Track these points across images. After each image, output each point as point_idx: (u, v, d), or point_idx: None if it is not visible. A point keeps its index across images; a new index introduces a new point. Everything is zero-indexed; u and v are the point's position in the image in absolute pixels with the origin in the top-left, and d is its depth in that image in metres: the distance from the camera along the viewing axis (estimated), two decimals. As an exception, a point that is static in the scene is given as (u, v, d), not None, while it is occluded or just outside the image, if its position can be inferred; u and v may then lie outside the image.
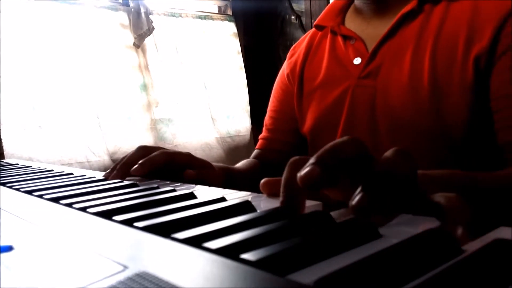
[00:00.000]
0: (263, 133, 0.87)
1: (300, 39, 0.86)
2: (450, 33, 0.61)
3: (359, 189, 0.28)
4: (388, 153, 0.30)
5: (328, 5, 0.81)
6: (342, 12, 0.77)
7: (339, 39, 0.73)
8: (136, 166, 0.55)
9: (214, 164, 0.66)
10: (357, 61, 0.69)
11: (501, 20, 0.57)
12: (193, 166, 0.60)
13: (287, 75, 0.82)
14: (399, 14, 0.66)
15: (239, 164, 0.79)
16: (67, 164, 1.89)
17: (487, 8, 0.59)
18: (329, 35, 0.76)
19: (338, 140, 0.30)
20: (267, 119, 0.87)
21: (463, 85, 0.59)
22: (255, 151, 0.86)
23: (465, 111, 0.59)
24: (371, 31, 0.70)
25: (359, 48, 0.70)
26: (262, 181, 0.40)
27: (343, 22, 0.75)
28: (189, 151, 0.64)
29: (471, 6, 0.61)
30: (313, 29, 0.81)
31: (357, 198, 0.27)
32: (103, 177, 0.57)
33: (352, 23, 0.74)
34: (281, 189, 0.33)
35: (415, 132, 0.62)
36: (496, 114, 0.58)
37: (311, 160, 0.29)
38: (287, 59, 0.85)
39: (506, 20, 0.57)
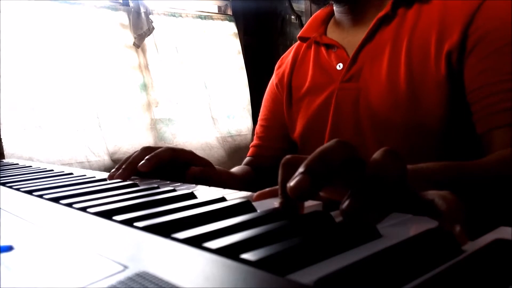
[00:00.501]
0: (254, 141, 0.90)
1: (287, 51, 0.90)
2: (423, 32, 0.64)
3: (348, 194, 0.28)
4: (377, 154, 0.30)
5: (310, 18, 0.85)
6: (324, 24, 0.81)
7: (322, 48, 0.77)
8: (143, 161, 0.57)
9: (201, 157, 0.68)
10: (339, 66, 0.73)
11: (469, 17, 0.60)
12: (195, 164, 0.63)
13: (276, 85, 0.87)
14: (375, 19, 0.69)
15: (233, 170, 0.82)
16: (67, 164, 1.89)
17: (455, 6, 0.62)
18: (313, 46, 0.80)
19: (326, 145, 0.30)
20: (257, 128, 0.91)
21: (437, 80, 0.62)
22: (247, 159, 0.90)
23: (441, 106, 0.62)
24: (351, 38, 0.74)
25: (341, 55, 0.73)
26: (256, 194, 0.40)
27: (325, 33, 0.80)
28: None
29: (441, 5, 0.64)
30: (298, 41, 0.85)
31: (347, 202, 0.28)
32: (107, 177, 0.57)
33: (333, 33, 0.78)
34: (279, 191, 0.33)
35: (396, 129, 0.65)
36: (472, 106, 0.60)
37: (300, 169, 0.28)
38: (275, 69, 0.89)
39: (473, 16, 0.60)
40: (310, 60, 0.80)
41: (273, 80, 0.89)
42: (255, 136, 0.91)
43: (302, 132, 0.79)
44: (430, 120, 0.62)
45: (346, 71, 0.71)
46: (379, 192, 0.28)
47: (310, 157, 0.29)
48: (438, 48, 0.62)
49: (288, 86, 0.83)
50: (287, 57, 0.88)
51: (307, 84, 0.78)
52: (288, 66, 0.84)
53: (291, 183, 0.28)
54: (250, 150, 0.90)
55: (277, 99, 0.86)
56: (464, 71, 0.60)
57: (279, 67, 0.89)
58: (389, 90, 0.65)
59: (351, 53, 0.72)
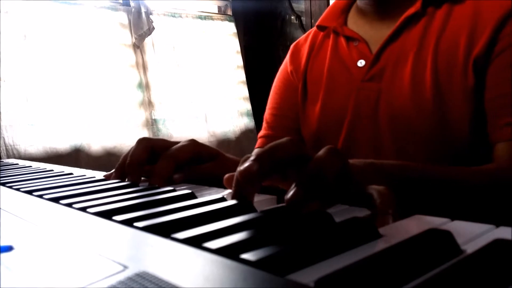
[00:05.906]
0: (264, 131, 0.83)
1: (302, 37, 0.84)
2: (452, 36, 0.61)
3: (293, 185, 0.32)
4: (320, 152, 0.33)
5: (329, 6, 0.80)
6: (344, 12, 0.76)
7: (342, 40, 0.73)
8: (128, 177, 0.52)
9: (229, 156, 0.63)
10: (361, 63, 0.68)
11: (500, 21, 0.57)
12: (200, 158, 0.57)
13: (291, 71, 0.80)
14: (403, 17, 0.65)
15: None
16: (63, 159, 1.88)
17: (487, 10, 0.59)
18: (331, 36, 0.75)
19: (277, 141, 0.35)
20: (267, 117, 0.83)
21: (464, 87, 0.59)
22: (255, 150, 0.83)
23: (468, 114, 0.59)
24: (374, 33, 0.70)
25: (363, 50, 0.69)
26: (225, 176, 0.42)
27: (345, 23, 0.75)
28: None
29: (473, 8, 0.60)
30: (315, 28, 0.80)
31: (291, 192, 0.31)
32: (103, 176, 0.57)
33: (354, 24, 0.73)
34: (233, 182, 0.35)
35: (418, 135, 0.62)
36: (488, 115, 0.58)
37: (252, 157, 0.33)
38: (289, 56, 0.83)
39: (505, 20, 0.57)
40: (327, 51, 0.75)
41: (286, 65, 0.82)
42: (264, 125, 0.83)
43: (316, 130, 0.74)
44: (456, 128, 0.60)
45: (368, 70, 0.67)
46: (319, 184, 0.31)
47: (261, 149, 0.34)
48: (466, 55, 0.58)
49: (304, 76, 0.77)
50: (304, 44, 0.81)
51: (324, 78, 0.73)
52: (305, 55, 0.78)
53: (241, 167, 0.33)
54: (259, 141, 0.83)
55: (292, 87, 0.79)
56: (486, 77, 0.57)
57: (294, 53, 0.82)
58: (413, 96, 0.62)
59: (373, 48, 0.68)
